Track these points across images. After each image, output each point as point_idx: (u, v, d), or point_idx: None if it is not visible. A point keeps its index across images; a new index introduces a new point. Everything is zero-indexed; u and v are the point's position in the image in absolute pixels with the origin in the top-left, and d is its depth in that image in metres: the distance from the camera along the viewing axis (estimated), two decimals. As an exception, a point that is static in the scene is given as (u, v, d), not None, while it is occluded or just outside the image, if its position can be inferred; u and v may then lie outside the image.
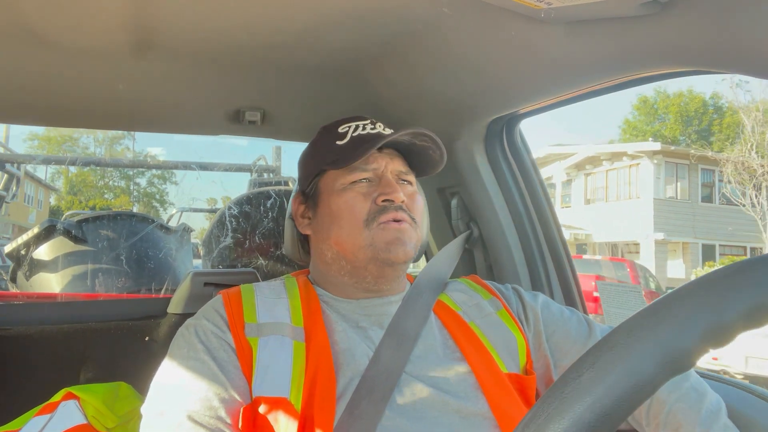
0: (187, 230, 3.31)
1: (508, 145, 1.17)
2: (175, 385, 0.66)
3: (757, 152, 14.59)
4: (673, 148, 16.54)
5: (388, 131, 0.82)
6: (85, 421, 0.91)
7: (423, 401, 0.68)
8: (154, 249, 2.72)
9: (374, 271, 0.76)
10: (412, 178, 0.83)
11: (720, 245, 16.19)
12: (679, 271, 15.51)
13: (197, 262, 3.45)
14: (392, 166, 0.80)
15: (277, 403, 0.65)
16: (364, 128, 0.81)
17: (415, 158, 0.83)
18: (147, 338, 1.27)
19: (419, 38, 0.91)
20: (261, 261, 2.03)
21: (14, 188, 3.36)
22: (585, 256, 11.04)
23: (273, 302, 0.76)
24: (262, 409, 0.65)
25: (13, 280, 2.66)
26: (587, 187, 17.34)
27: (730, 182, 15.08)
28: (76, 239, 2.57)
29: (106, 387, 1.03)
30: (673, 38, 0.62)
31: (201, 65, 1.06)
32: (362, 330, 0.75)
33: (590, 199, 17.21)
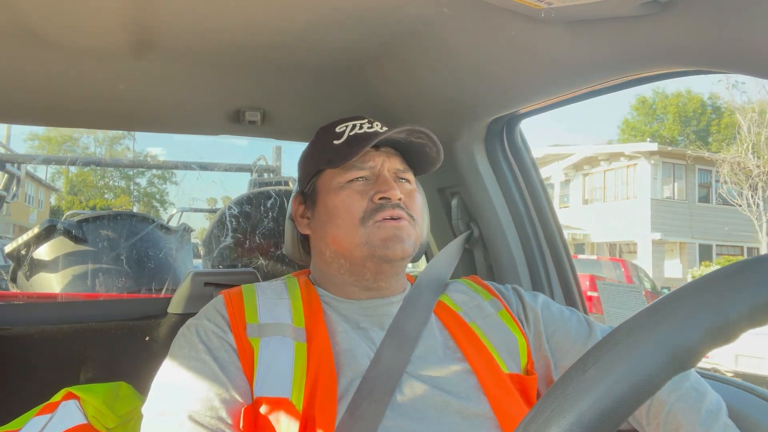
0: (187, 230, 3.30)
1: (509, 145, 1.17)
2: (176, 385, 0.66)
3: (753, 153, 14.60)
4: (670, 148, 16.57)
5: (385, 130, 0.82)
6: (85, 421, 0.91)
7: (424, 402, 0.68)
8: (154, 249, 2.72)
9: (372, 268, 0.76)
10: (410, 176, 0.83)
11: (717, 245, 16.21)
12: (676, 271, 15.51)
13: (197, 262, 3.45)
14: (389, 164, 0.80)
15: (278, 404, 0.65)
16: (361, 127, 0.81)
17: (413, 157, 0.83)
18: (147, 338, 1.27)
19: (419, 38, 0.91)
20: (261, 261, 2.03)
21: (15, 188, 3.35)
22: (580, 256, 11.04)
23: (274, 303, 0.76)
24: (263, 409, 0.65)
25: (14, 280, 2.65)
26: (585, 188, 17.34)
27: (726, 183, 15.09)
28: (76, 239, 2.56)
29: (107, 387, 1.03)
30: (673, 38, 0.62)
31: (201, 65, 1.06)
32: (363, 331, 0.75)
33: (588, 200, 17.21)
